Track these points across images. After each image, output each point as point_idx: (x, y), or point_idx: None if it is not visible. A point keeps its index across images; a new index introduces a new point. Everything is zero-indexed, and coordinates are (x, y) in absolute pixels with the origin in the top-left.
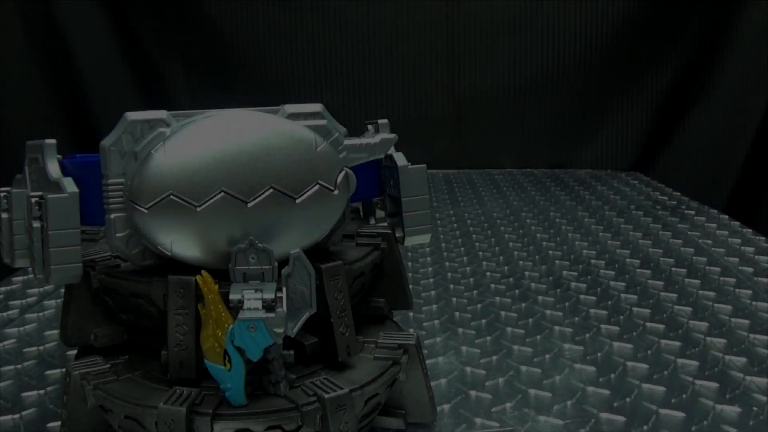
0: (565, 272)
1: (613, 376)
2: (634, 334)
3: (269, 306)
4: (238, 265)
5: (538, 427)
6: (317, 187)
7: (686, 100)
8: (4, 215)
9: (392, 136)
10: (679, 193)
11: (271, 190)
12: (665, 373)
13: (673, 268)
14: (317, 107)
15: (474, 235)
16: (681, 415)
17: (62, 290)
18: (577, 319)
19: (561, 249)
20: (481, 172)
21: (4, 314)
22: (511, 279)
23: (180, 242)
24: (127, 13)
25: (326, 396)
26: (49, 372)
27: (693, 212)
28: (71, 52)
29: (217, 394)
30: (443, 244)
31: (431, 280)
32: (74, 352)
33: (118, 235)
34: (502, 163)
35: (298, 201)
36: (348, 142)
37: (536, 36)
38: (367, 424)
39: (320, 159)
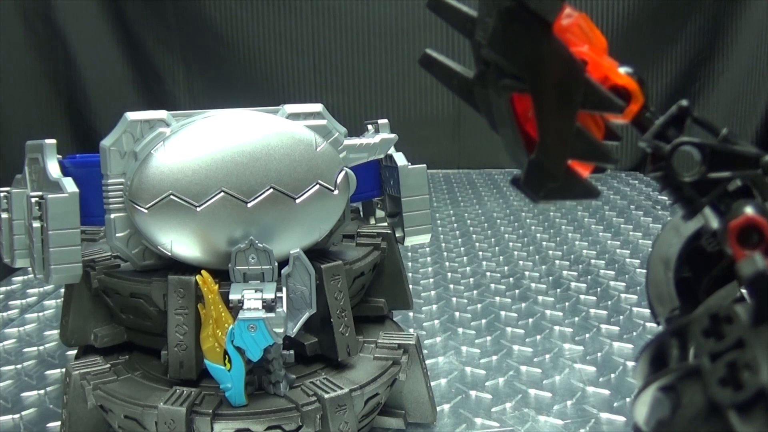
0: (565, 272)
1: (613, 376)
2: (634, 334)
3: (269, 306)
4: (238, 265)
5: (538, 427)
6: (317, 187)
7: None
8: (4, 215)
9: (392, 136)
10: None
11: (271, 190)
12: None
13: None
14: (317, 107)
15: (474, 235)
16: None
17: (62, 290)
18: (577, 319)
19: (561, 249)
20: (481, 172)
21: (4, 314)
22: (511, 279)
23: (180, 242)
24: (127, 13)
25: (326, 396)
26: (49, 372)
27: None
28: (71, 52)
29: (217, 394)
30: (443, 244)
31: (431, 280)
32: (74, 352)
33: (118, 235)
34: (502, 163)
35: (298, 201)
36: (348, 142)
37: None
38: (367, 424)
39: (320, 159)
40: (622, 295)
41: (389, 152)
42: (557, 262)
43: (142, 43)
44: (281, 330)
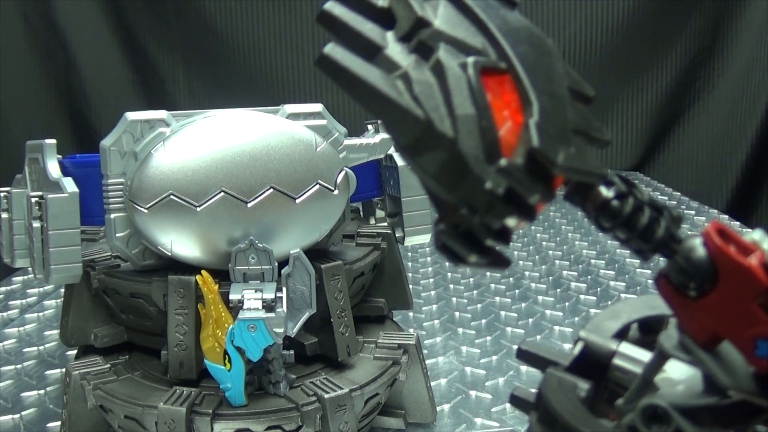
0: (565, 272)
1: None
2: None
3: (269, 306)
4: (238, 265)
5: None
6: (317, 187)
7: (686, 100)
8: (4, 215)
9: None
10: (679, 193)
11: (271, 190)
12: None
13: None
14: (317, 107)
15: None
16: None
17: (62, 290)
18: (577, 319)
19: (561, 249)
20: None
21: (4, 314)
22: (511, 279)
23: (180, 242)
24: (127, 13)
25: (326, 396)
26: (49, 372)
27: (693, 212)
28: (71, 52)
29: (217, 394)
30: None
31: (431, 280)
32: (74, 352)
33: (118, 235)
34: None
35: (298, 201)
36: (348, 142)
37: None
38: (367, 424)
39: (320, 159)
40: (622, 295)
41: (389, 152)
42: (557, 262)
43: (142, 43)
44: (281, 330)
